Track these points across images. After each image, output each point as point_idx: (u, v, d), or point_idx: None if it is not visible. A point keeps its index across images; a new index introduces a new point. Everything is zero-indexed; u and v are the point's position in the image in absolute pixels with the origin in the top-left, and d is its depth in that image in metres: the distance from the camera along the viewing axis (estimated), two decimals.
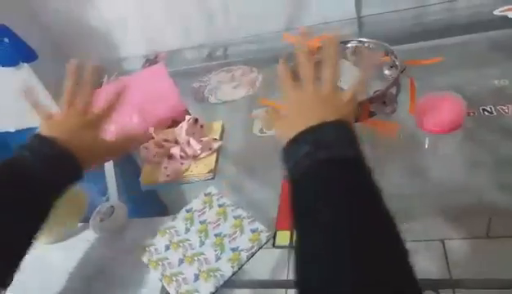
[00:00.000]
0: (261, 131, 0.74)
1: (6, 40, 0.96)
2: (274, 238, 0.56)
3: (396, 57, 0.71)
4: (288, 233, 0.56)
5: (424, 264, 1.15)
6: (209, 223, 0.61)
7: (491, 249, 1.11)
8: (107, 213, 0.65)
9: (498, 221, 1.04)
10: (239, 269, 0.54)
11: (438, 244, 1.21)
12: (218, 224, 0.60)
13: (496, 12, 0.80)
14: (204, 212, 0.63)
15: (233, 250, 0.56)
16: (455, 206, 0.61)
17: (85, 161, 0.53)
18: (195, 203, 0.64)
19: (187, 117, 0.72)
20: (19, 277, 0.63)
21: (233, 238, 0.57)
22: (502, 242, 1.10)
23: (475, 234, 1.17)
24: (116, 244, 0.64)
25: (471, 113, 0.63)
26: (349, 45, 0.80)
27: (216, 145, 0.69)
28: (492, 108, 0.63)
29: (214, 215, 0.62)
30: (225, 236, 0.58)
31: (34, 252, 0.66)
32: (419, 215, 0.71)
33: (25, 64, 1.00)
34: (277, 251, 0.57)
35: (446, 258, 1.19)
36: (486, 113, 0.63)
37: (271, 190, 0.63)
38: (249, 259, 0.55)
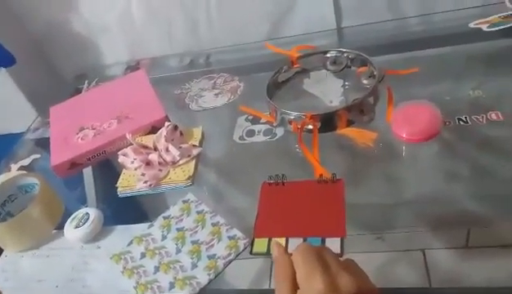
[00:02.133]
0: (241, 138, 0.74)
1: None
2: (252, 245, 0.56)
3: (374, 67, 0.73)
4: (266, 240, 0.56)
5: (405, 273, 1.15)
6: (187, 230, 0.60)
7: (471, 258, 1.12)
8: (82, 220, 0.64)
9: (477, 231, 1.05)
10: (215, 276, 0.54)
11: (419, 254, 1.22)
12: (196, 232, 0.59)
13: (471, 25, 0.82)
14: (181, 219, 0.62)
15: (210, 257, 0.55)
16: (434, 215, 0.61)
17: None
18: (173, 210, 0.64)
19: (166, 123, 0.71)
20: None
21: (210, 246, 0.57)
22: (481, 252, 1.12)
23: (455, 244, 1.18)
24: (91, 252, 0.63)
25: (447, 123, 0.65)
26: (329, 55, 0.81)
27: (195, 152, 0.69)
28: (467, 118, 0.65)
29: (192, 222, 0.61)
30: (202, 243, 0.57)
31: (6, 259, 0.66)
32: (399, 224, 0.72)
33: (2, 69, 0.98)
34: (259, 260, 0.57)
35: (427, 267, 1.19)
36: (461, 122, 0.64)
37: (251, 197, 0.63)
38: (225, 266, 0.55)
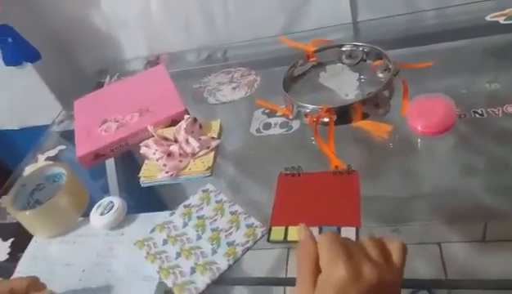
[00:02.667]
0: (258, 130, 0.76)
1: (10, 40, 0.98)
2: (269, 233, 0.58)
3: (389, 61, 0.73)
4: (282, 228, 0.58)
5: (421, 266, 1.16)
6: (206, 218, 0.62)
7: (488, 252, 1.12)
8: (107, 208, 0.67)
9: (494, 225, 1.05)
10: (234, 262, 0.56)
11: (435, 247, 1.22)
12: (215, 220, 0.62)
13: (488, 18, 0.82)
14: (201, 208, 0.64)
15: (229, 244, 0.58)
16: (450, 209, 0.62)
17: None
18: (193, 199, 0.66)
19: (186, 116, 0.74)
20: (19, 269, 0.66)
21: (229, 233, 0.59)
22: (498, 246, 1.11)
23: (472, 238, 1.18)
24: (115, 238, 0.66)
25: (462, 116, 0.65)
26: (345, 48, 0.82)
27: (214, 144, 0.71)
28: (483, 110, 0.65)
29: (211, 210, 0.63)
30: (221, 230, 0.60)
31: (35, 245, 0.69)
32: (416, 217, 0.73)
33: (29, 64, 1.02)
34: (276, 250, 0.59)
35: (443, 261, 1.19)
36: (477, 115, 0.65)
37: (267, 188, 0.65)
38: (244, 253, 0.57)
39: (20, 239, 0.71)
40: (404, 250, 0.41)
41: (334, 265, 0.38)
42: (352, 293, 0.37)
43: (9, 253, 0.71)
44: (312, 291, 0.39)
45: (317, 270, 0.40)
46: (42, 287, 0.55)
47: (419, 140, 0.66)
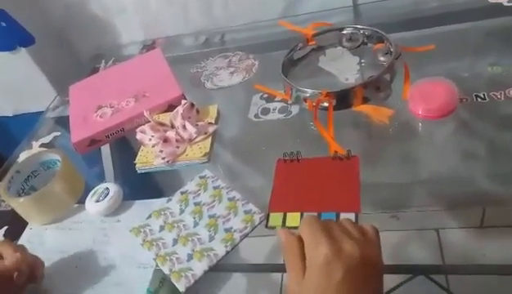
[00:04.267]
0: (256, 116, 0.75)
1: (4, 24, 0.96)
2: (267, 219, 0.57)
3: (391, 44, 0.72)
4: (281, 214, 0.57)
5: (419, 252, 1.16)
6: (204, 204, 0.61)
7: (486, 238, 1.12)
8: (102, 194, 0.66)
9: (492, 210, 1.04)
10: (232, 248, 0.55)
11: (433, 233, 1.22)
12: (213, 206, 0.61)
13: (491, 0, 0.80)
14: (198, 194, 0.63)
15: (226, 230, 0.57)
16: (449, 195, 0.61)
17: None
18: (190, 185, 0.65)
19: (183, 101, 0.72)
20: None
21: (227, 219, 0.58)
22: (496, 232, 1.11)
23: (469, 224, 1.18)
24: (111, 225, 0.65)
25: (464, 100, 0.64)
26: (345, 31, 0.80)
27: (211, 129, 0.70)
28: (485, 94, 0.64)
29: (209, 197, 0.62)
30: (219, 217, 0.59)
31: (30, 232, 0.69)
32: (414, 203, 0.72)
33: (22, 49, 1.00)
34: (274, 237, 0.58)
35: (441, 246, 1.19)
36: (479, 99, 0.64)
37: (266, 174, 0.64)
38: (242, 239, 0.56)
39: (15, 226, 0.70)
40: (377, 230, 0.43)
41: (316, 245, 0.40)
42: (336, 269, 0.38)
43: None
44: (302, 276, 0.40)
45: (303, 257, 0.41)
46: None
47: (420, 124, 0.65)
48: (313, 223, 0.42)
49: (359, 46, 0.79)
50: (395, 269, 0.51)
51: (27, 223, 0.70)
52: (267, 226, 0.57)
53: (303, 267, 0.40)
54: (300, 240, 0.42)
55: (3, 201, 0.75)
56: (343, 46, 0.81)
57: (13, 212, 0.69)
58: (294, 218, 0.56)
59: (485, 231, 1.14)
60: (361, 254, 0.39)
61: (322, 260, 0.39)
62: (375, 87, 0.67)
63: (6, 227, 0.72)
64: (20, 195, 0.69)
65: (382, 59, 0.73)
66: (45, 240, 0.67)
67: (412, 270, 0.55)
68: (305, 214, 0.56)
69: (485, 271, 0.58)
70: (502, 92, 0.63)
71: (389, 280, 0.48)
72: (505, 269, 0.53)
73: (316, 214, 0.55)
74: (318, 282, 0.39)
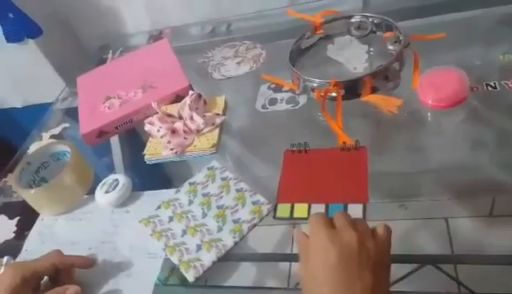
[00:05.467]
0: (263, 106, 0.74)
1: (11, 15, 0.96)
2: (275, 210, 0.57)
3: (400, 32, 0.71)
4: (288, 205, 0.57)
5: (427, 241, 1.15)
6: (212, 195, 0.62)
7: (495, 227, 1.11)
8: (112, 185, 0.66)
9: (502, 200, 1.04)
10: (240, 239, 0.56)
11: (442, 222, 1.22)
12: (221, 197, 0.61)
13: None
14: (206, 185, 0.64)
15: (235, 221, 0.57)
16: (458, 184, 0.61)
17: None
18: (199, 177, 0.66)
19: (190, 92, 0.72)
20: (26, 247, 0.67)
21: (235, 210, 0.59)
22: (506, 221, 1.10)
23: (479, 213, 1.17)
24: (120, 216, 0.66)
25: (475, 89, 0.63)
26: (353, 20, 0.79)
27: (219, 120, 0.70)
28: (496, 83, 0.63)
29: (217, 188, 0.63)
30: (227, 208, 0.59)
31: (41, 223, 0.70)
32: (423, 192, 0.72)
33: (30, 40, 1.00)
34: (281, 227, 0.58)
35: (450, 236, 1.19)
36: (490, 88, 0.63)
37: (273, 165, 0.64)
38: (250, 230, 0.56)
39: (27, 217, 0.71)
40: (388, 228, 0.43)
41: (317, 234, 0.42)
42: (332, 255, 0.39)
43: (15, 232, 0.71)
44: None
45: None
46: (68, 260, 0.56)
47: (429, 114, 0.64)
48: (319, 217, 0.43)
49: (368, 34, 0.78)
50: (403, 259, 0.52)
51: (38, 214, 0.71)
52: (274, 217, 0.57)
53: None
54: None
55: (15, 192, 0.77)
56: (352, 35, 0.80)
57: (25, 203, 0.70)
58: (301, 209, 0.56)
59: (494, 220, 1.13)
60: (358, 244, 0.40)
61: (320, 245, 0.41)
62: (384, 77, 0.66)
63: (18, 218, 0.73)
64: (31, 186, 0.70)
65: (391, 47, 0.72)
66: (56, 230, 0.68)
67: (421, 260, 0.55)
68: (313, 205, 0.56)
69: (494, 261, 0.57)
70: None
71: (397, 269, 0.48)
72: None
73: (323, 206, 0.55)
74: (314, 264, 0.41)
